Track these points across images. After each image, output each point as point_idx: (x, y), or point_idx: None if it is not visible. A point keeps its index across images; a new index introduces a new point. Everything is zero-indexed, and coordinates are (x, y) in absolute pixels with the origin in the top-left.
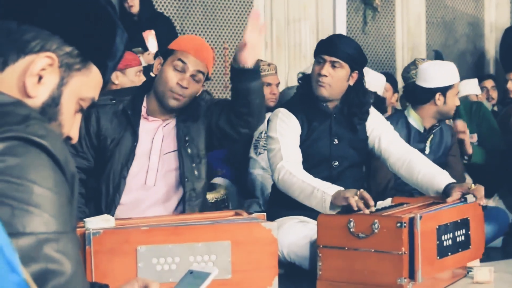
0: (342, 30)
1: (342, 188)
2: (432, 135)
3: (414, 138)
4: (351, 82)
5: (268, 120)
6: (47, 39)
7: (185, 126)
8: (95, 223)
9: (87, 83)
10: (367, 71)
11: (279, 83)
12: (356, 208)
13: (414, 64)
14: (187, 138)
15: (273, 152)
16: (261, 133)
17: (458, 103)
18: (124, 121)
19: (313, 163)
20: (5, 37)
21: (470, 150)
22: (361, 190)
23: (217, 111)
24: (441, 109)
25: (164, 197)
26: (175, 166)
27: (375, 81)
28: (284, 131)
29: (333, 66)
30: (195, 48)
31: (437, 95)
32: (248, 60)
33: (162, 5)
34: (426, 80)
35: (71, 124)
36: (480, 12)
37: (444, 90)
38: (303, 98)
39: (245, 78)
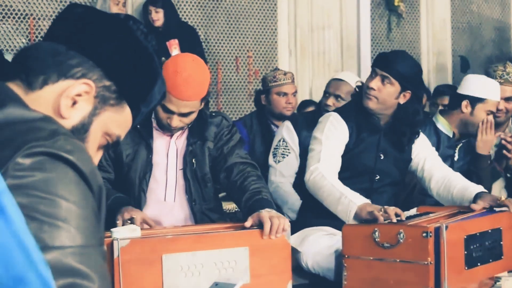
0: (366, 37)
1: (369, 201)
2: (461, 144)
3: (443, 142)
4: (402, 101)
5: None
6: (90, 69)
7: (191, 146)
8: (122, 233)
9: (117, 120)
10: None
11: (295, 91)
12: (382, 221)
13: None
14: (193, 160)
15: (313, 153)
16: (280, 140)
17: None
18: (136, 135)
19: (356, 173)
20: (51, 58)
21: None
22: (386, 206)
23: (222, 166)
24: (466, 118)
25: (184, 215)
26: (184, 184)
27: None
28: (331, 134)
29: (383, 81)
30: (177, 89)
31: (465, 102)
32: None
33: (187, 15)
34: (462, 87)
35: (93, 156)
36: (507, 16)
37: (473, 100)
38: (356, 107)
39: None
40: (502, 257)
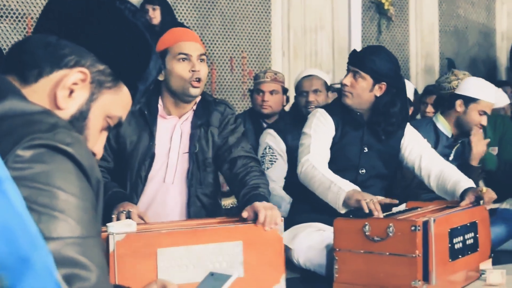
0: (357, 39)
1: (358, 188)
2: (458, 144)
3: (441, 142)
4: (378, 93)
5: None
6: (83, 56)
7: (196, 130)
8: (118, 227)
9: (116, 102)
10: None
11: (275, 90)
12: (367, 211)
13: (454, 75)
14: (196, 143)
15: (303, 147)
16: (265, 148)
17: (484, 122)
18: (142, 121)
19: (341, 166)
20: (43, 50)
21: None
22: (379, 198)
23: (226, 157)
24: (461, 118)
25: (179, 196)
26: (187, 167)
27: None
28: (319, 128)
29: (355, 77)
30: (185, 35)
31: (459, 102)
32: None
33: (182, 16)
34: (459, 87)
35: (96, 140)
36: (492, 21)
37: (467, 100)
38: (341, 104)
39: None
40: (478, 249)
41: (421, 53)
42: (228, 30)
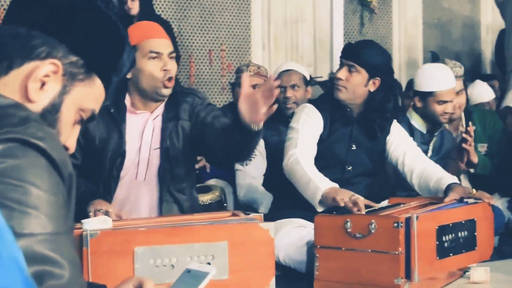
0: (339, 31)
1: (337, 185)
2: (435, 138)
3: (416, 139)
4: (372, 88)
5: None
6: (54, 47)
7: (167, 125)
8: (93, 224)
9: (89, 94)
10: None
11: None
12: (342, 205)
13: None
14: (167, 138)
15: (290, 141)
16: None
17: (448, 110)
18: (109, 119)
19: (328, 163)
20: (13, 41)
21: (475, 159)
22: (356, 195)
23: (206, 123)
24: (425, 112)
25: (151, 193)
26: (158, 163)
27: None
28: (307, 124)
29: (350, 71)
30: (154, 32)
31: (416, 99)
32: (260, 121)
33: (160, 7)
34: (415, 83)
35: (68, 134)
36: (477, 14)
37: (422, 95)
38: (330, 99)
39: (253, 136)
40: (476, 248)
41: (404, 46)
42: (206, 22)
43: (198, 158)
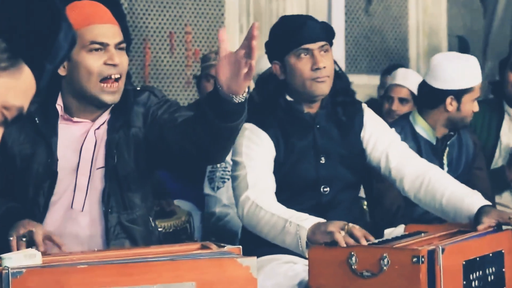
0: (339, 10)
1: (323, 220)
2: (448, 148)
3: (425, 152)
4: (336, 67)
5: None
6: None
7: (113, 136)
8: (16, 260)
9: (14, 87)
10: None
11: None
12: (344, 245)
13: None
14: (114, 153)
15: (238, 181)
16: None
17: (476, 109)
18: (34, 130)
19: (296, 191)
20: None
21: None
22: (351, 224)
23: (165, 120)
24: (453, 116)
25: (94, 227)
26: (102, 187)
27: None
28: (252, 152)
29: (324, 52)
30: (98, 15)
31: (449, 99)
32: (243, 87)
33: None
34: (437, 78)
35: None
36: None
37: (459, 94)
38: (274, 107)
39: (233, 113)
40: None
41: (423, 29)
42: None
43: None
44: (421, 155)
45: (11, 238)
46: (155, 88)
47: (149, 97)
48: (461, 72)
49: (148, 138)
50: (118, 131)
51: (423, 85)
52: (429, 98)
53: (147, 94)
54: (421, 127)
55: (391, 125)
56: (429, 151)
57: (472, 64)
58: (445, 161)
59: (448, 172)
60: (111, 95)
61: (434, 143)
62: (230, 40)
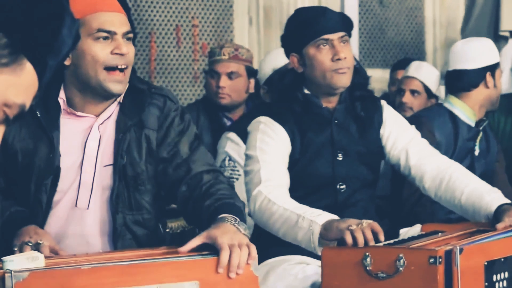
0: (353, 2)
1: (336, 217)
2: (481, 133)
3: (462, 135)
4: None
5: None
6: None
7: (125, 134)
8: (19, 262)
9: (15, 84)
10: None
11: (235, 72)
12: (351, 243)
13: None
14: (124, 152)
15: (250, 175)
16: (224, 160)
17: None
18: (35, 125)
19: (312, 188)
20: None
21: None
22: (366, 223)
23: (185, 167)
24: (491, 94)
25: (100, 226)
26: (110, 186)
27: None
28: (267, 146)
29: (344, 43)
30: (104, 2)
31: (488, 76)
32: None
33: None
34: (469, 60)
35: None
36: None
37: (493, 69)
38: (291, 101)
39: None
40: None
41: (441, 22)
42: None
43: None
44: (458, 138)
45: (16, 249)
46: (169, 92)
47: (166, 102)
48: (488, 48)
49: (162, 156)
50: (129, 130)
51: (453, 73)
52: (466, 81)
53: (164, 98)
54: (461, 110)
55: (428, 111)
56: (465, 133)
57: (490, 42)
58: (477, 144)
59: (479, 156)
60: (117, 84)
61: (473, 126)
62: (239, 31)
